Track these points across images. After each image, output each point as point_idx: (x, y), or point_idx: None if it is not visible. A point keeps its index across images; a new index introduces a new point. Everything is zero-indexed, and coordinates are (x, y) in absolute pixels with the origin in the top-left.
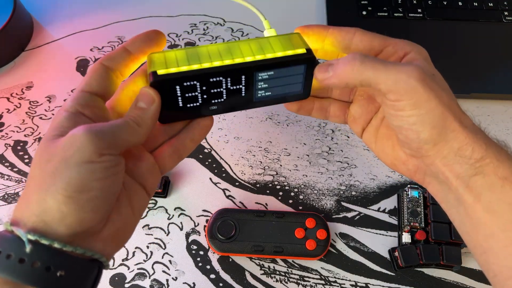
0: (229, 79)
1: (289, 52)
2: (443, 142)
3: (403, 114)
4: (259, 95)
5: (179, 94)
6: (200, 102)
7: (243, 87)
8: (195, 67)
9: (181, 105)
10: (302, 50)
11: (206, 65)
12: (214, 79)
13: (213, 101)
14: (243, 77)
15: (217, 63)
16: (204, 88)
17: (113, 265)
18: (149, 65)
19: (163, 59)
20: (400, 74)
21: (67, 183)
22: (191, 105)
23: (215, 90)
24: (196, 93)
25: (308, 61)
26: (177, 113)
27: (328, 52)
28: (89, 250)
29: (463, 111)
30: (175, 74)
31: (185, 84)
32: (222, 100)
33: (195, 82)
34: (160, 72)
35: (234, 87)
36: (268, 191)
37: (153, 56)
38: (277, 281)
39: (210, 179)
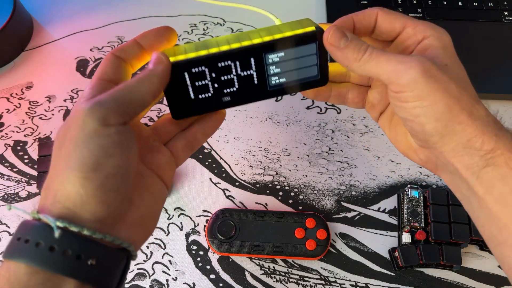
0: (237, 62)
1: (298, 31)
2: (450, 135)
3: (407, 106)
4: (273, 82)
5: (189, 83)
6: (212, 92)
7: (254, 72)
8: (203, 53)
9: (192, 96)
10: (311, 28)
11: (213, 51)
12: (223, 64)
13: (225, 91)
14: (252, 59)
15: (224, 49)
16: (213, 75)
17: None
18: None
19: (173, 52)
20: (401, 65)
21: (80, 164)
22: (203, 95)
23: (226, 77)
24: (206, 81)
25: (319, 37)
26: (190, 107)
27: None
28: (117, 239)
29: (477, 101)
30: (182, 61)
31: (193, 70)
32: (235, 89)
33: (203, 68)
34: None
35: (245, 73)
36: (268, 191)
37: (164, 51)
38: (277, 281)
39: (210, 179)
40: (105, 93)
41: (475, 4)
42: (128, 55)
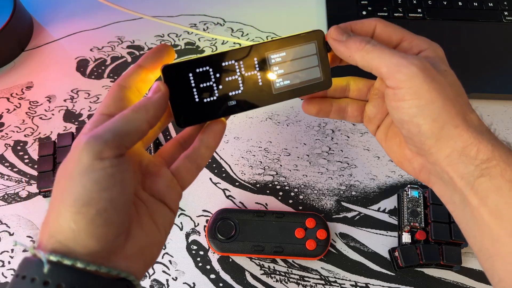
0: (241, 62)
1: (297, 33)
2: (445, 138)
3: (404, 105)
4: (277, 84)
5: (193, 84)
6: (216, 95)
7: (258, 73)
8: (206, 54)
9: (197, 99)
10: (310, 30)
11: (217, 52)
12: (227, 63)
13: (230, 94)
14: (255, 59)
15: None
16: (218, 75)
17: None
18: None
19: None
20: (403, 60)
21: (73, 199)
22: (208, 99)
23: (230, 78)
24: (211, 83)
25: (318, 37)
26: (195, 112)
27: None
28: (113, 269)
29: (471, 110)
30: (186, 61)
31: (197, 70)
32: (240, 92)
33: (207, 68)
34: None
35: (249, 73)
36: (268, 191)
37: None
38: (277, 281)
39: (210, 179)
40: (102, 126)
41: (475, 4)
42: (132, 80)
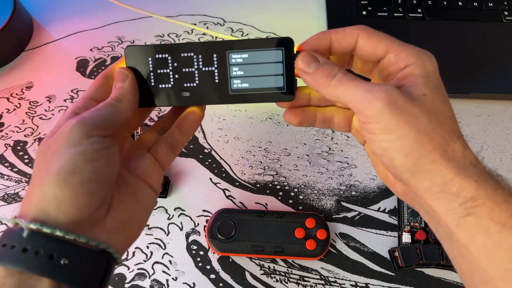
0: (200, 56)
1: (267, 37)
2: (421, 173)
3: (375, 139)
4: (235, 85)
5: (151, 68)
6: (172, 83)
7: (216, 70)
8: (170, 43)
9: (153, 83)
10: (280, 37)
11: (180, 42)
12: (185, 54)
13: (185, 85)
14: (215, 55)
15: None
16: (175, 64)
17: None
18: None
19: None
20: (367, 94)
21: (59, 168)
22: (164, 85)
23: (187, 70)
24: (168, 70)
25: (286, 44)
26: (151, 96)
27: (339, 60)
28: (92, 240)
29: (454, 138)
30: (148, 45)
31: (157, 56)
32: (195, 84)
33: (166, 55)
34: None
35: (207, 69)
36: (268, 191)
37: None
38: (277, 281)
39: (210, 179)
40: (89, 111)
41: (475, 4)
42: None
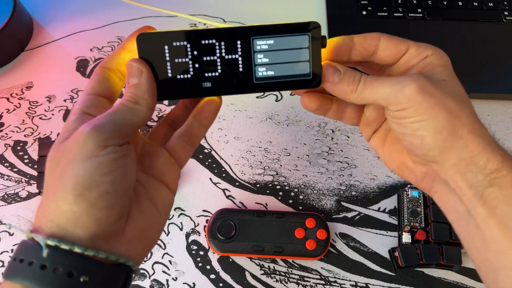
0: (223, 43)
1: (292, 22)
2: (450, 149)
3: (407, 121)
4: (259, 73)
5: (167, 58)
6: (192, 73)
7: (240, 58)
8: (188, 29)
9: (170, 74)
10: (307, 21)
11: (201, 28)
12: (206, 41)
13: (206, 75)
14: (238, 42)
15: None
16: (195, 52)
17: None
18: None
19: None
20: (396, 85)
21: (74, 182)
22: (182, 77)
23: (208, 58)
24: (187, 59)
25: (313, 29)
26: (168, 88)
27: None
28: (112, 254)
29: (477, 119)
30: (163, 32)
31: (174, 44)
32: (217, 74)
33: (185, 43)
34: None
35: (230, 57)
36: (268, 191)
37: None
38: (277, 281)
39: (210, 179)
40: (104, 115)
41: (475, 4)
42: (115, 63)
